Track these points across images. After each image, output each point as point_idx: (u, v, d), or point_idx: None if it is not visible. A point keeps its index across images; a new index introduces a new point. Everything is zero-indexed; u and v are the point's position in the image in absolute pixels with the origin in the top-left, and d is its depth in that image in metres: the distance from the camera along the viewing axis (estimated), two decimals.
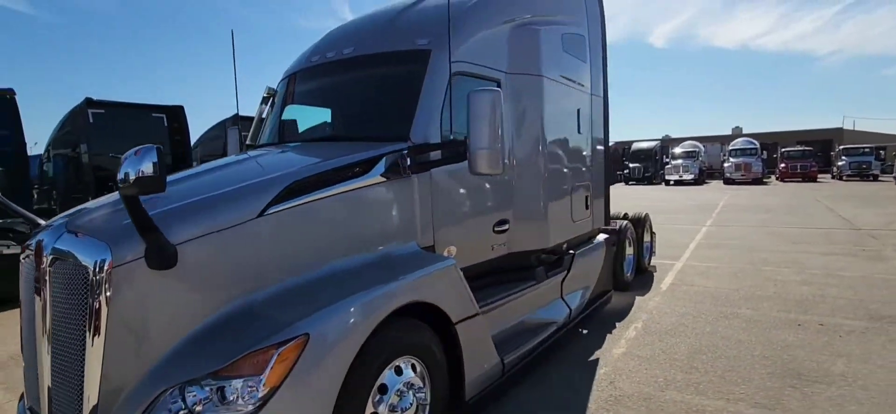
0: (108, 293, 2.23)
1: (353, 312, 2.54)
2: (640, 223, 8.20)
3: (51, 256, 2.43)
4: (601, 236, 6.20)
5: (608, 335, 5.52)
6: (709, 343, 5.16)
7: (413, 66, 3.62)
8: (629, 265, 7.61)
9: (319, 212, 2.85)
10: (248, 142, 4.64)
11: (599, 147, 6.03)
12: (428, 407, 3.15)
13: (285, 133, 4.26)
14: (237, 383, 2.20)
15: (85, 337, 2.25)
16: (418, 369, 3.06)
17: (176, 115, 12.75)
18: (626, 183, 38.13)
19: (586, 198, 5.64)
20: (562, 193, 5.03)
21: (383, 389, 2.79)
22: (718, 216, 16.15)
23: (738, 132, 54.90)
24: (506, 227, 4.29)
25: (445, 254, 3.65)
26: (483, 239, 4.08)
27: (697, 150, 37.28)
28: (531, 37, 4.52)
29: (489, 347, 3.69)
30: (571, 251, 5.35)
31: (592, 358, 4.89)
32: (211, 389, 2.21)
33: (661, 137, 54.56)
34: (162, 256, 2.24)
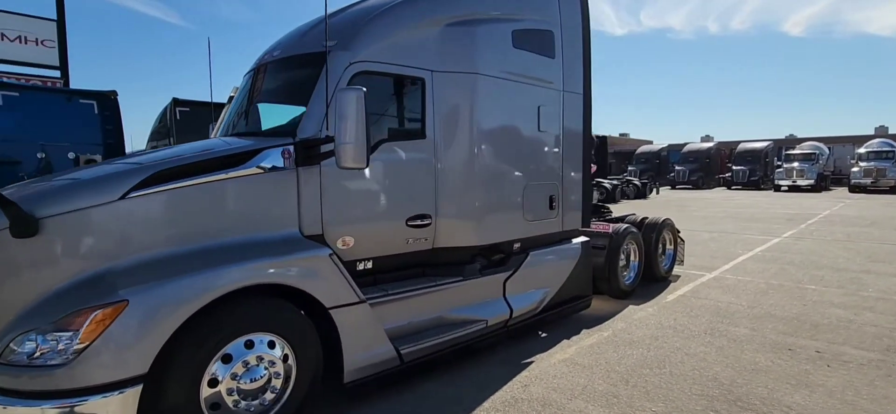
0: None
1: (182, 286, 2.88)
2: (655, 229, 7.66)
3: None
4: (579, 239, 5.96)
5: (565, 340, 5.34)
6: (665, 358, 4.80)
7: (314, 68, 3.87)
8: (633, 271, 7.18)
9: (184, 198, 3.22)
10: (212, 135, 5.21)
11: (575, 145, 5.80)
12: (292, 382, 3.41)
13: (235, 126, 4.72)
14: (64, 335, 2.65)
15: None
16: (278, 346, 3.33)
17: None
18: (729, 187, 34.77)
19: (551, 198, 5.48)
20: (507, 191, 4.97)
21: (228, 359, 3.11)
22: (805, 228, 14.28)
23: (882, 132, 47.32)
24: (426, 222, 4.37)
25: (340, 244, 3.87)
26: (393, 232, 4.21)
27: (818, 152, 32.86)
28: (464, 35, 4.53)
29: (377, 335, 3.85)
30: (524, 251, 5.25)
31: (527, 360, 4.80)
32: (50, 337, 2.68)
33: (785, 136, 48.88)
34: (20, 227, 2.75)
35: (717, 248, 11.07)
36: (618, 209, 20.65)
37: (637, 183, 26.59)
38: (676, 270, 8.47)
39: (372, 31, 4.07)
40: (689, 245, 11.29)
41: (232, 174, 3.39)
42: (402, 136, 4.28)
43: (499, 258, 5.12)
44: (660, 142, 43.94)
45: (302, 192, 3.66)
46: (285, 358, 3.38)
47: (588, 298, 6.10)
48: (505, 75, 4.84)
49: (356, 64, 3.92)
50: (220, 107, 14.53)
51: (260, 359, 3.24)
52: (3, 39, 14.74)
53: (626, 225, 7.10)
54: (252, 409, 3.21)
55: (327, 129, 3.63)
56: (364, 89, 3.38)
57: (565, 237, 5.81)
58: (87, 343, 2.63)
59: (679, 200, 25.15)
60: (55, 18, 15.62)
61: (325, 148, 3.67)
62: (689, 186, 35.13)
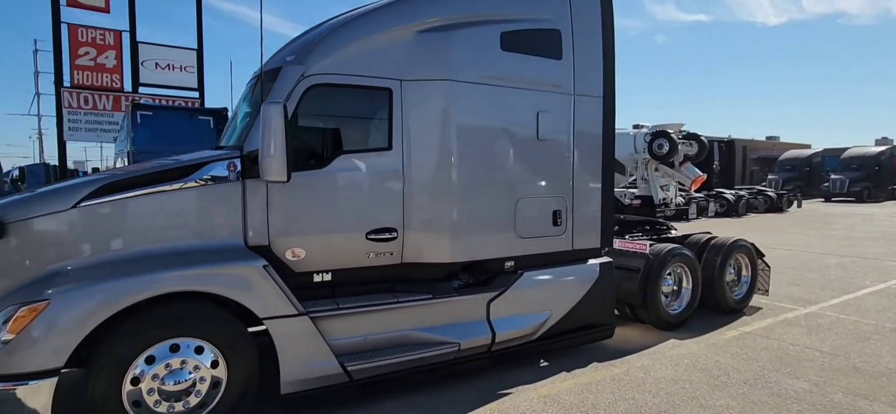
0: None
1: (99, 291, 3.14)
2: (720, 252, 6.54)
3: None
4: (596, 260, 5.30)
5: (564, 373, 4.80)
6: (668, 409, 4.06)
7: (270, 83, 3.98)
8: (683, 300, 6.22)
9: (128, 207, 3.51)
10: None
11: (591, 155, 5.18)
12: (222, 388, 3.53)
13: (224, 137, 5.01)
14: (2, 328, 3.04)
15: None
16: (207, 351, 3.47)
17: None
18: None
19: (556, 213, 4.96)
20: (490, 205, 4.60)
21: (151, 360, 3.31)
22: None
23: None
24: (390, 236, 4.22)
25: (290, 255, 3.92)
26: (350, 245, 4.12)
27: None
28: (437, 41, 4.30)
29: (319, 349, 3.81)
30: (518, 271, 4.82)
31: (506, 390, 4.39)
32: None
33: None
34: None
35: (837, 276, 9.13)
36: (736, 226, 18.19)
37: (771, 194, 23.03)
38: (760, 301, 7.16)
39: (327, 45, 4.06)
40: (804, 270, 9.55)
41: (174, 186, 3.62)
42: (363, 148, 4.21)
43: (487, 276, 4.77)
44: (819, 146, 37.64)
45: (248, 204, 3.78)
46: (215, 364, 3.51)
47: (609, 328, 5.40)
48: (489, 81, 4.51)
49: (310, 77, 3.93)
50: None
51: (184, 363, 3.39)
52: (156, 67, 17.65)
53: (673, 246, 6.16)
54: (174, 410, 3.37)
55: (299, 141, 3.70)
56: (284, 103, 3.39)
57: (578, 257, 5.21)
58: (13, 336, 2.99)
59: (825, 215, 21.24)
60: (196, 48, 18.33)
61: None
62: (851, 199, 29.46)
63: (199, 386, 3.45)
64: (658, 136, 18.43)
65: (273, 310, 3.64)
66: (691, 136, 19.73)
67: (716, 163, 25.60)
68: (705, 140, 18.59)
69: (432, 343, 4.32)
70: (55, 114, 16.32)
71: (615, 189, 22.44)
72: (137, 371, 3.27)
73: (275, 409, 3.89)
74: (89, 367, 3.16)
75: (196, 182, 3.67)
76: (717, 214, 20.35)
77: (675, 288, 6.27)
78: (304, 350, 3.76)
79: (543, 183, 4.92)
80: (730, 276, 6.80)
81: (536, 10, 4.84)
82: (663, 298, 6.09)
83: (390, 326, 4.20)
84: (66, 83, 16.25)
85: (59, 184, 4.01)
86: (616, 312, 6.48)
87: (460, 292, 4.55)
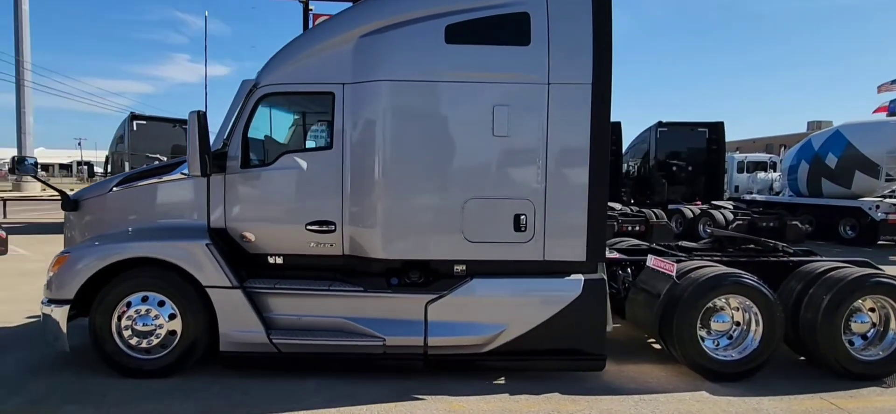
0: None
1: (96, 251, 4.43)
2: (835, 288, 4.57)
3: None
4: (578, 276, 4.46)
5: (505, 394, 4.30)
6: None
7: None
8: (747, 345, 4.63)
9: (133, 193, 4.77)
10: None
11: (573, 152, 4.37)
12: (178, 335, 4.51)
13: None
14: (51, 267, 4.61)
15: None
16: (167, 305, 4.49)
17: (716, 129, 16.77)
18: None
19: (518, 217, 4.43)
20: (430, 205, 4.42)
21: (129, 305, 4.49)
22: None
23: None
24: (329, 228, 4.53)
25: (244, 238, 4.67)
26: (291, 234, 4.56)
27: None
28: (375, 44, 4.37)
29: (250, 320, 4.42)
30: (467, 276, 4.50)
31: (421, 395, 4.22)
32: None
33: None
34: (66, 205, 4.92)
35: None
36: None
37: None
38: None
39: (277, 59, 4.64)
40: None
41: (163, 178, 4.78)
42: (306, 147, 4.66)
43: (432, 279, 4.62)
44: None
45: (211, 194, 4.66)
46: (173, 317, 4.50)
47: (597, 359, 4.48)
48: (429, 77, 4.40)
49: (261, 88, 4.58)
50: (700, 126, 18.34)
51: (148, 311, 4.48)
52: None
53: (729, 270, 4.60)
54: (142, 344, 4.48)
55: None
56: (202, 110, 4.14)
57: (553, 270, 4.51)
58: (53, 273, 4.52)
59: None
60: None
61: (229, 160, 4.60)
62: None
63: (158, 331, 4.48)
64: None
65: (212, 280, 4.43)
66: None
67: None
68: None
69: (360, 334, 4.47)
70: None
71: (865, 199, 17.43)
72: (121, 311, 4.49)
73: (222, 367, 4.65)
74: (94, 302, 4.51)
75: (176, 176, 4.76)
76: None
77: (743, 327, 4.72)
78: (236, 318, 4.44)
79: (499, 184, 4.48)
80: (862, 325, 4.72)
81: None
82: (715, 339, 4.69)
83: (323, 310, 4.54)
84: None
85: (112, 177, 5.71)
86: (658, 346, 5.31)
87: (396, 290, 4.56)
